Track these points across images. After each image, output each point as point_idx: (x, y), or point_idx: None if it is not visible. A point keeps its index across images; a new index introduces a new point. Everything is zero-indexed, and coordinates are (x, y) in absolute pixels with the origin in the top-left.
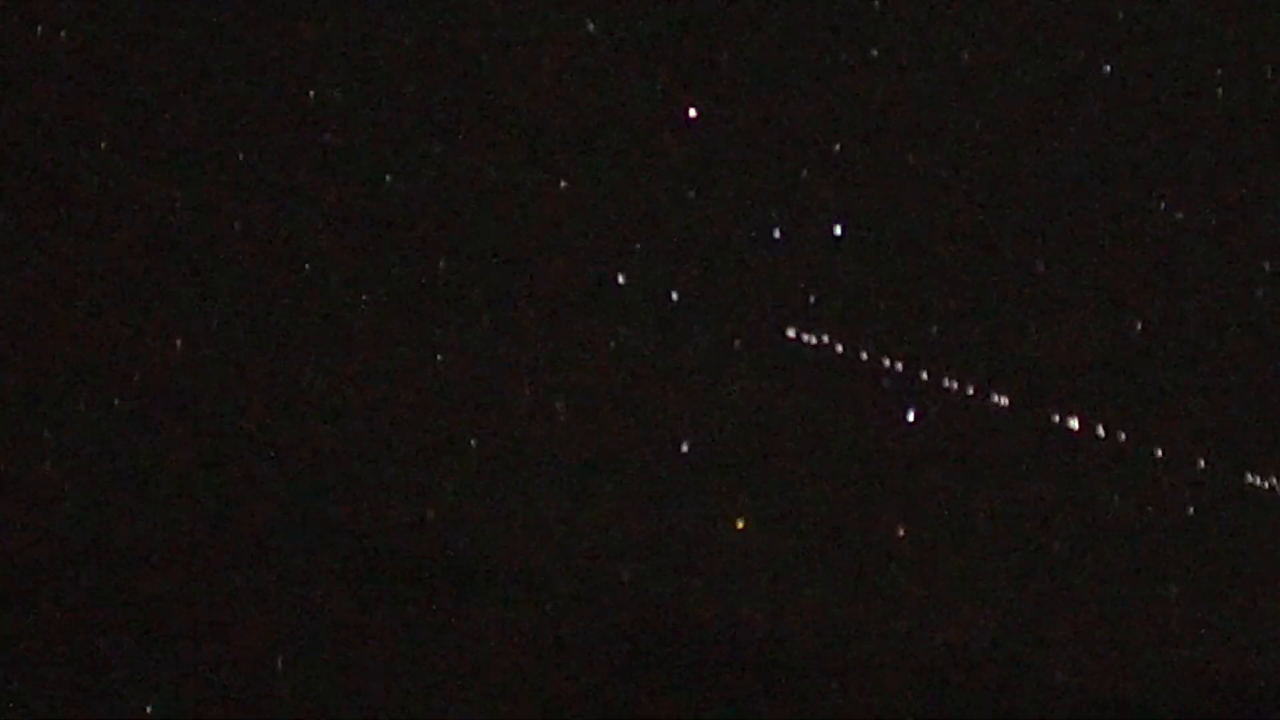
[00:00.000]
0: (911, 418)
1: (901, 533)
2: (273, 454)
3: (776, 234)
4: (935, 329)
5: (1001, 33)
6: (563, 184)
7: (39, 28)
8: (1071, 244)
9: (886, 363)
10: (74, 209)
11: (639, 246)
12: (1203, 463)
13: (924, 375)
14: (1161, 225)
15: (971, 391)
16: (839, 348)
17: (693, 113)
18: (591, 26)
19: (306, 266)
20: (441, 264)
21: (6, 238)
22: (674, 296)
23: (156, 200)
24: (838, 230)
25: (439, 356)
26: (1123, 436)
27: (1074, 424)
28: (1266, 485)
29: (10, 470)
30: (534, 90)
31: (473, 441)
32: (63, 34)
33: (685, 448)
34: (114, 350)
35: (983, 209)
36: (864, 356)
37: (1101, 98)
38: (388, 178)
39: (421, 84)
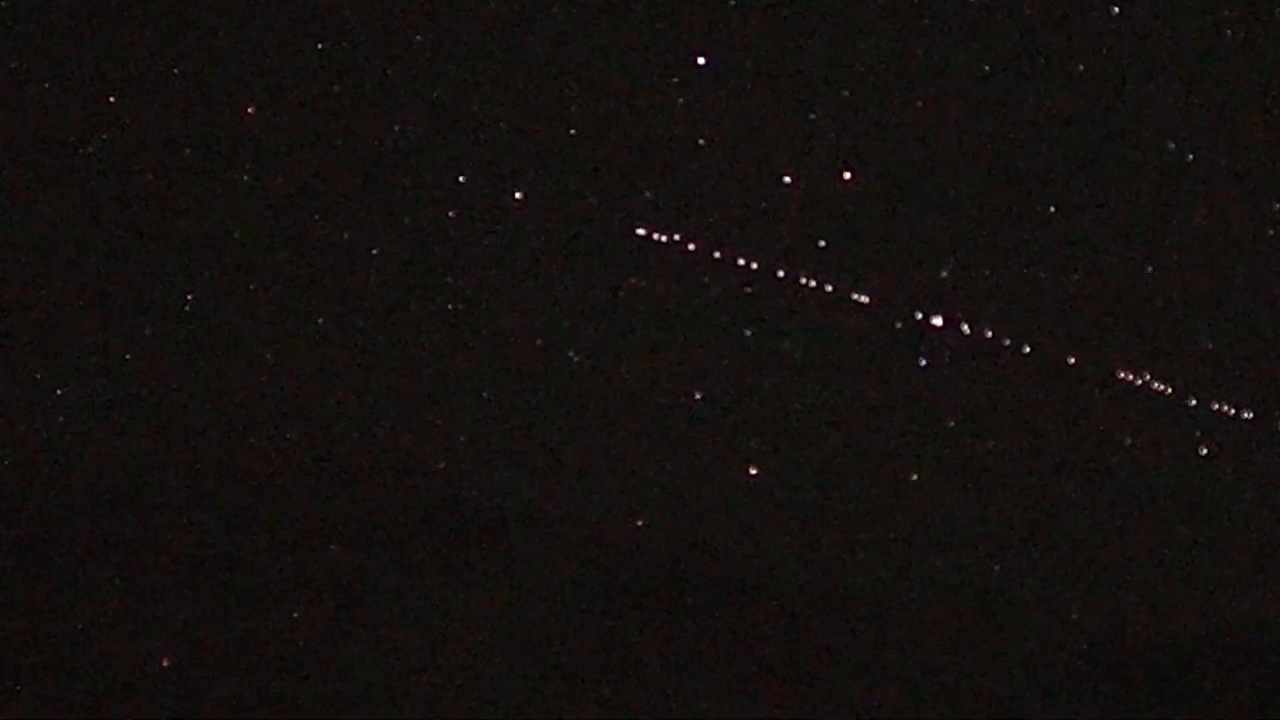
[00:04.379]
0: (923, 363)
1: (915, 477)
2: (285, 404)
3: (786, 180)
4: (946, 275)
5: None
6: (572, 131)
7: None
8: (1080, 185)
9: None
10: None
11: (649, 195)
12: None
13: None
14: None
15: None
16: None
17: (701, 60)
18: None
19: (313, 196)
20: (453, 214)
21: None
22: (690, 246)
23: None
24: (846, 175)
25: (450, 306)
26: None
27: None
28: None
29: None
30: (550, 35)
31: (484, 393)
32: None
33: (699, 395)
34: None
35: (989, 154)
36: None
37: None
38: (398, 98)
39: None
